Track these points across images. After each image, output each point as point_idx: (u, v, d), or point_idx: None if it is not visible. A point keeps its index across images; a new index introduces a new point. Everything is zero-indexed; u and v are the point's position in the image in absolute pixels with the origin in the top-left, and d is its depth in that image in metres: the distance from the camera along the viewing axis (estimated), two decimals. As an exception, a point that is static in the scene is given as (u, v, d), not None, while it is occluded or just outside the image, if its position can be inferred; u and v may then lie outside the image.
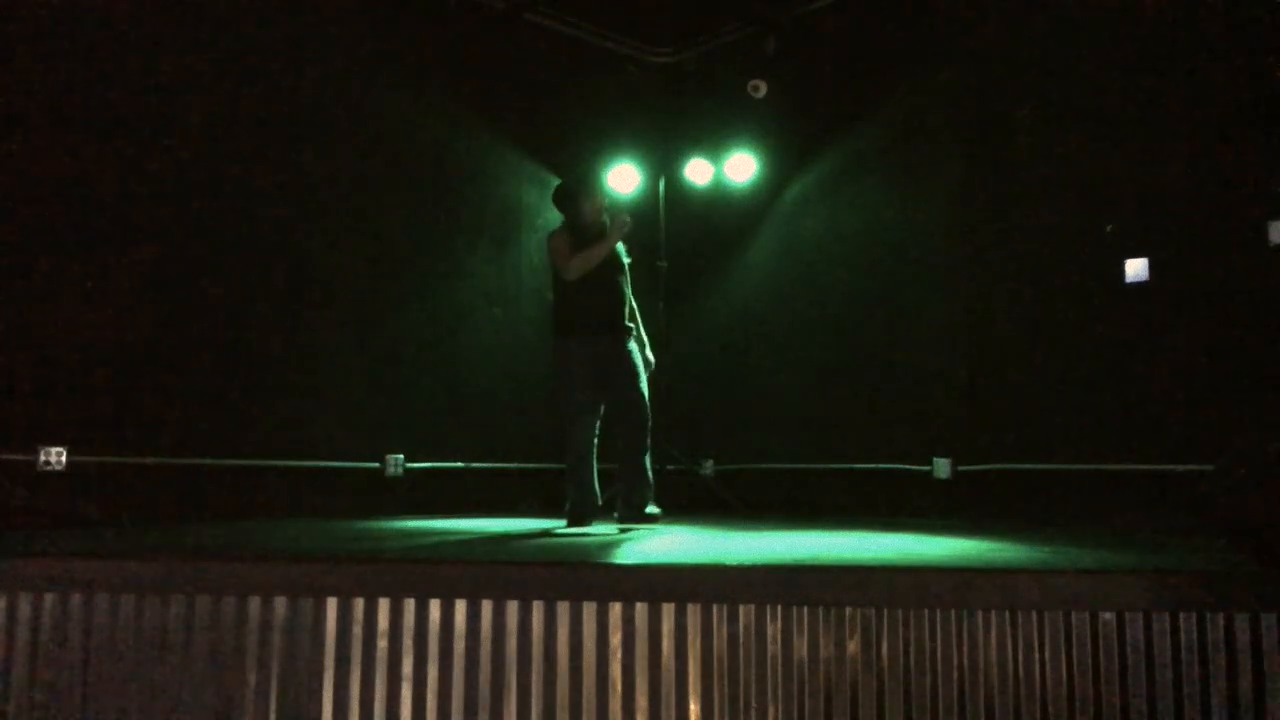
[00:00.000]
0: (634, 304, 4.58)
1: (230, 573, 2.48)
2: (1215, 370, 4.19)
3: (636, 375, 4.37)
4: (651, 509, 4.35)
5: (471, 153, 5.94)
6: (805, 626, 2.38)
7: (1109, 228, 4.63)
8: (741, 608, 2.40)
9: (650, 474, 4.39)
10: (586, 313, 4.35)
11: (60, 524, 4.02)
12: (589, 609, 2.42)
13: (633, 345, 4.44)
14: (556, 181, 6.44)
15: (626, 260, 4.55)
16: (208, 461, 4.64)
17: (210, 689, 2.44)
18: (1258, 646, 2.27)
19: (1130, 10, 4.61)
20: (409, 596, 2.45)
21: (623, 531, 4.07)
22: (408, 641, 2.44)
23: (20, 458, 4.13)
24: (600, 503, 4.41)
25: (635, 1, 6.19)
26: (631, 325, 4.50)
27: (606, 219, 4.50)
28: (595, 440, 4.37)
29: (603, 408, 4.39)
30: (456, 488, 5.57)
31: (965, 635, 2.35)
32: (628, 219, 4.44)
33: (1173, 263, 4.43)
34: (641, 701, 2.39)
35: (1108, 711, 2.30)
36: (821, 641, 2.38)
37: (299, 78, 5.14)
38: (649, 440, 4.37)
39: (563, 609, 2.43)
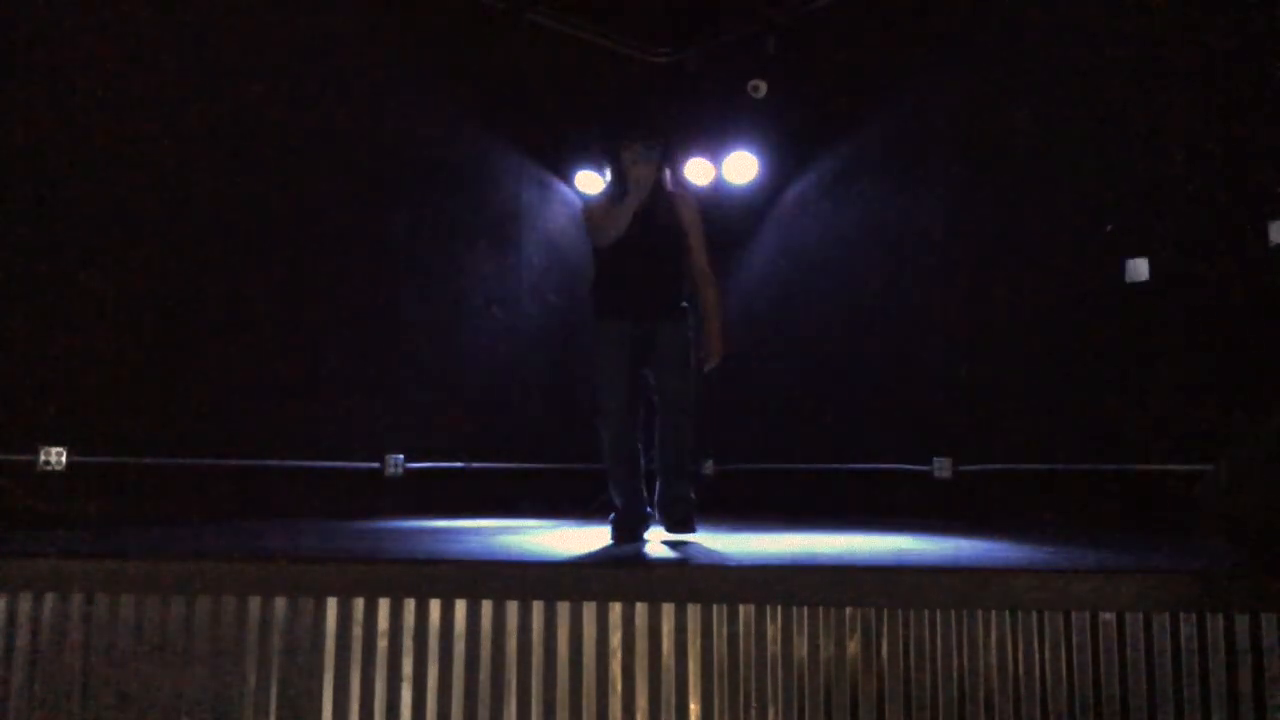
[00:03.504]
0: (704, 277, 3.86)
1: (230, 573, 2.48)
2: (1215, 370, 4.19)
3: (684, 362, 3.73)
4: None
5: (471, 153, 5.93)
6: (805, 626, 2.38)
7: (1109, 228, 4.63)
8: (741, 608, 2.40)
9: (694, 481, 3.80)
10: (623, 291, 3.72)
11: (60, 524, 4.02)
12: (589, 609, 2.42)
13: (686, 332, 3.77)
14: (557, 181, 6.51)
15: (684, 229, 3.82)
16: (208, 461, 4.64)
17: (210, 689, 2.44)
18: (1258, 646, 2.27)
19: (1130, 11, 4.61)
20: (409, 596, 2.45)
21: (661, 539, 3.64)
22: (408, 641, 2.44)
23: (20, 458, 4.12)
24: (650, 511, 3.79)
25: (635, 1, 6.19)
26: (686, 307, 3.81)
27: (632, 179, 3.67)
28: (638, 440, 3.77)
29: (639, 401, 3.78)
30: (456, 488, 5.57)
31: (965, 635, 2.35)
32: (644, 172, 3.66)
33: (1173, 263, 4.43)
34: (641, 701, 2.39)
35: (1108, 711, 2.30)
36: (821, 641, 2.38)
37: (299, 78, 5.13)
38: (695, 442, 3.77)
39: (563, 609, 2.43)
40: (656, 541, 3.61)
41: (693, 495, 3.75)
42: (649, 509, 3.77)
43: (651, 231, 3.72)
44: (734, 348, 3.89)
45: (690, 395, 3.74)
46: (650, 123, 4.43)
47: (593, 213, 3.80)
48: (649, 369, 3.74)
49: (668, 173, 3.90)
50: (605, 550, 3.30)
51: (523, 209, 6.22)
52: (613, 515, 3.74)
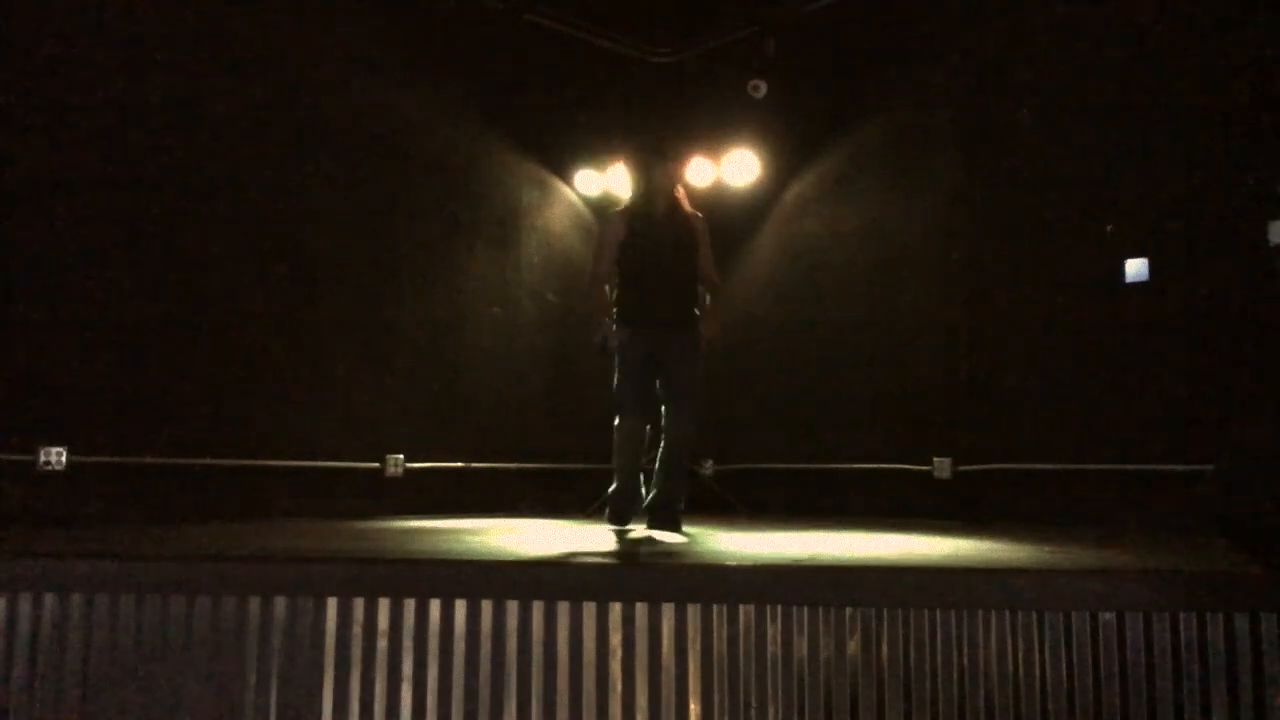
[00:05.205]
0: (711, 282, 4.18)
1: (230, 573, 2.48)
2: (1215, 370, 4.19)
3: (696, 373, 4.05)
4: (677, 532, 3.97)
5: (471, 153, 5.93)
6: (805, 626, 2.38)
7: (1109, 228, 4.63)
8: (741, 608, 2.40)
9: (686, 483, 4.11)
10: (645, 304, 4.04)
11: (60, 524, 4.02)
12: (589, 609, 2.42)
13: (698, 341, 4.08)
14: (557, 181, 6.51)
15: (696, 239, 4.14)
16: (208, 461, 4.64)
17: (210, 689, 2.44)
18: (1258, 646, 2.27)
19: (1130, 10, 4.61)
20: (409, 596, 2.45)
21: (647, 534, 3.90)
22: (408, 641, 2.43)
23: (20, 458, 4.12)
24: (644, 503, 4.11)
25: (635, 1, 6.19)
26: (697, 313, 4.11)
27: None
28: (645, 438, 4.10)
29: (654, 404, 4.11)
30: (456, 488, 5.57)
31: (965, 635, 2.35)
32: (666, 184, 4.11)
33: (1173, 263, 4.43)
34: (641, 701, 2.39)
35: (1108, 711, 2.30)
36: (821, 641, 2.37)
37: (299, 78, 5.13)
38: (692, 447, 4.08)
39: (563, 609, 2.43)
40: (657, 541, 3.62)
41: (681, 504, 4.05)
42: (641, 500, 4.09)
43: (670, 245, 4.06)
44: (736, 338, 4.23)
45: (698, 402, 4.05)
46: (670, 138, 4.92)
47: (602, 241, 4.18)
48: (661, 373, 4.02)
49: (682, 191, 4.22)
50: (605, 550, 3.30)
51: (522, 209, 6.22)
52: (610, 500, 4.09)
